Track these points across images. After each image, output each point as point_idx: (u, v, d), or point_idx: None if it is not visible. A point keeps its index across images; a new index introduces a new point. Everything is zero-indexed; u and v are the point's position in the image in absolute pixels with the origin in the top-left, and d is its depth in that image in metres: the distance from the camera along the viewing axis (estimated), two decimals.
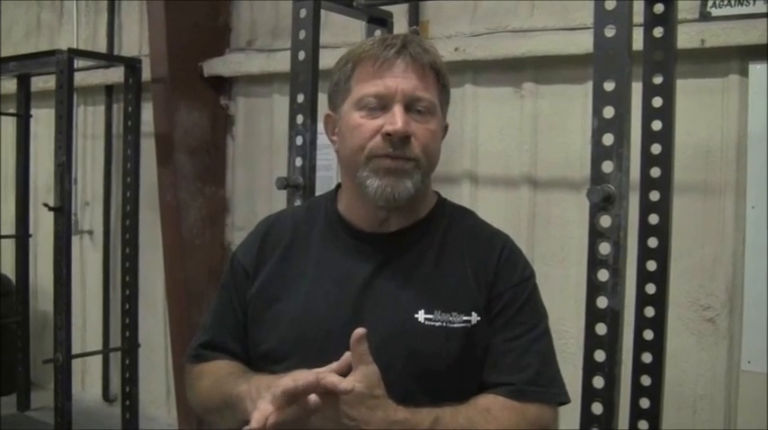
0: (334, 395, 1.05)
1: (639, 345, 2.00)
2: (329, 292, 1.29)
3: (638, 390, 2.00)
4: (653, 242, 1.98)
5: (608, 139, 1.58)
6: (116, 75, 3.96)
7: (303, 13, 2.14)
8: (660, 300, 1.98)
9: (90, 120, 4.42)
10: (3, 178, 4.52)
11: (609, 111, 1.58)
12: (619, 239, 1.57)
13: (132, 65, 3.82)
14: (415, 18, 3.03)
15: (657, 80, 1.97)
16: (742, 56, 2.37)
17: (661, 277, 1.98)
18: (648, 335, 1.99)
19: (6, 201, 4.56)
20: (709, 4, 2.40)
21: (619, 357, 1.60)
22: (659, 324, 1.98)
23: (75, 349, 3.70)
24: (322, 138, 1.63)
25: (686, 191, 2.38)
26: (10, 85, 4.37)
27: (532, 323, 1.29)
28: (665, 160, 1.97)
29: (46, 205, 3.50)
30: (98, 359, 4.27)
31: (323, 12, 2.19)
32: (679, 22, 2.04)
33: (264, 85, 3.62)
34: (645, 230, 1.99)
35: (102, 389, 4.33)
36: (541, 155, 2.79)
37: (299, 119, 2.13)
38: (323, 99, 1.44)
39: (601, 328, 1.60)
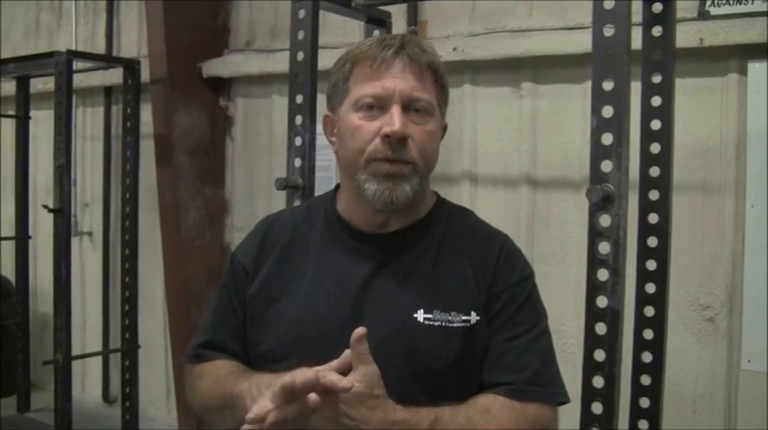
0: (334, 394, 1.05)
1: (639, 345, 2.00)
2: (329, 292, 1.29)
3: (637, 390, 2.00)
4: (652, 241, 1.98)
5: (607, 139, 1.58)
6: (115, 76, 3.96)
7: (302, 13, 2.14)
8: (660, 300, 1.98)
9: (89, 121, 4.42)
10: (2, 180, 4.51)
11: (608, 111, 1.58)
12: (618, 239, 1.57)
13: (131, 66, 3.82)
14: (413, 18, 3.03)
15: (656, 79, 1.97)
16: (741, 54, 2.37)
17: (661, 276, 1.98)
18: (648, 334, 1.99)
19: (6, 203, 4.56)
20: (708, 2, 2.40)
21: (618, 357, 1.60)
22: (659, 323, 1.98)
23: (75, 350, 3.70)
24: (321, 139, 1.63)
25: (685, 190, 2.37)
26: (9, 87, 4.37)
27: (532, 322, 1.29)
28: (665, 159, 1.97)
29: (45, 207, 3.50)
30: (98, 360, 4.27)
31: (321, 12, 2.19)
32: (678, 21, 2.04)
33: (263, 85, 3.62)
34: (644, 230, 1.99)
35: (102, 390, 4.33)
36: (540, 154, 2.79)
37: (298, 119, 2.13)
38: (322, 99, 1.44)
39: (600, 328, 1.60)
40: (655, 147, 1.98)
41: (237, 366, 1.32)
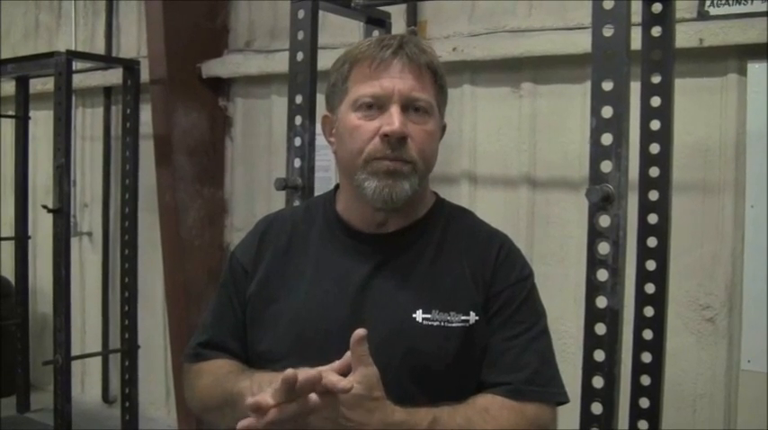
0: (334, 395, 1.05)
1: (639, 345, 2.00)
2: (328, 292, 1.29)
3: (637, 390, 2.00)
4: (652, 241, 1.98)
5: (607, 139, 1.58)
6: (114, 76, 3.96)
7: (301, 13, 2.14)
8: (659, 300, 1.98)
9: (88, 121, 4.42)
10: (2, 180, 4.51)
11: (607, 111, 1.58)
12: (618, 239, 1.57)
13: (131, 66, 3.82)
14: (413, 18, 3.03)
15: (656, 79, 1.97)
16: (740, 55, 2.37)
17: (660, 276, 1.98)
18: (648, 334, 1.99)
19: (5, 203, 4.56)
20: (708, 3, 2.40)
21: (618, 357, 1.60)
22: (659, 323, 1.98)
23: (75, 351, 3.70)
24: (320, 139, 1.63)
25: (685, 190, 2.37)
26: (9, 87, 4.37)
27: (531, 322, 1.29)
28: (664, 160, 1.97)
29: (45, 207, 3.50)
30: (97, 360, 4.27)
31: (321, 12, 2.19)
32: (677, 21, 2.04)
33: (263, 85, 3.62)
34: (644, 230, 1.99)
35: (102, 391, 4.33)
36: (540, 155, 2.79)
37: (298, 120, 2.13)
38: (321, 100, 1.44)
39: (600, 328, 1.60)
40: (654, 148, 1.98)
41: (237, 365, 1.32)
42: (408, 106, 1.25)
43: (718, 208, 2.43)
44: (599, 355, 1.60)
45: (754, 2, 2.32)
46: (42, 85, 4.19)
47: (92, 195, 4.37)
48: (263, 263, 1.36)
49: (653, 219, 1.98)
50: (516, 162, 2.83)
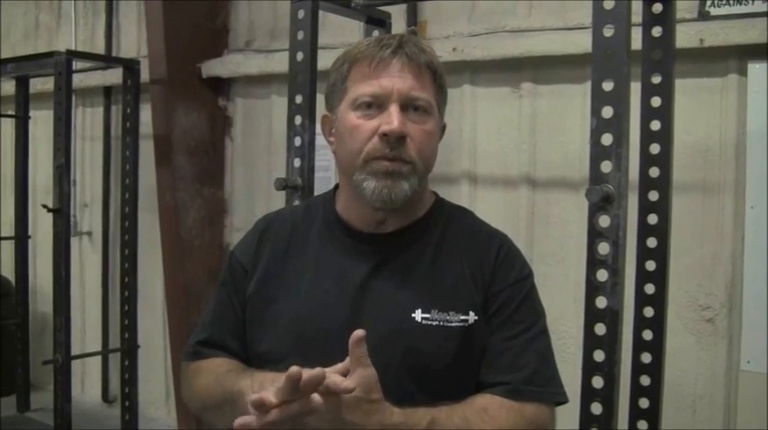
0: (335, 396, 1.05)
1: (639, 345, 2.00)
2: (327, 292, 1.29)
3: (637, 390, 2.00)
4: (652, 242, 1.98)
5: (607, 139, 1.58)
6: (114, 76, 3.96)
7: (301, 13, 2.14)
8: (659, 300, 1.98)
9: (88, 121, 4.42)
10: (2, 180, 4.51)
11: (608, 111, 1.58)
12: (618, 239, 1.57)
13: (131, 66, 3.82)
14: (413, 18, 3.03)
15: (656, 80, 1.97)
16: (741, 55, 2.37)
17: (660, 277, 1.97)
18: (648, 334, 1.99)
19: (5, 203, 4.55)
20: (708, 3, 2.40)
21: (618, 357, 1.59)
22: (658, 324, 1.98)
23: (75, 350, 3.70)
24: (320, 139, 1.63)
25: (685, 190, 2.37)
26: (8, 87, 4.37)
27: (530, 322, 1.29)
28: (664, 160, 1.97)
29: (45, 206, 3.50)
30: (97, 360, 4.27)
31: (321, 12, 2.18)
32: (678, 21, 2.04)
33: (263, 85, 3.62)
34: (644, 230, 1.99)
35: (102, 391, 4.32)
36: (540, 155, 2.79)
37: (298, 119, 2.13)
38: (321, 100, 1.44)
39: (600, 328, 1.59)
40: (654, 148, 1.98)
41: (237, 364, 1.31)
42: (408, 106, 1.25)
43: (719, 208, 2.43)
44: (599, 355, 1.60)
45: (754, 2, 2.32)
46: (42, 84, 4.19)
47: (92, 195, 4.37)
48: (262, 262, 1.36)
49: (653, 219, 1.98)
50: (516, 162, 2.83)
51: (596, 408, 1.60)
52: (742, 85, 2.38)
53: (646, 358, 1.99)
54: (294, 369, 1.01)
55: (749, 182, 2.36)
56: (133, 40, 4.13)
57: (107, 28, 4.22)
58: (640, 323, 1.99)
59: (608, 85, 1.58)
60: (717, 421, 2.43)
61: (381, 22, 2.42)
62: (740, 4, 2.35)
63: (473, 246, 1.33)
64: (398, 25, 2.76)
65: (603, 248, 1.59)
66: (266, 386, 1.09)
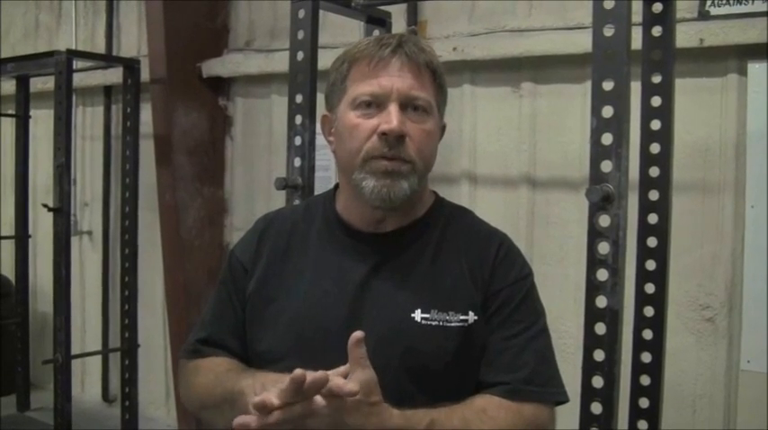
0: (337, 398, 1.05)
1: (639, 345, 2.00)
2: (327, 292, 1.29)
3: (637, 390, 2.00)
4: (652, 241, 1.98)
5: (607, 139, 1.58)
6: (115, 75, 3.96)
7: (302, 13, 2.14)
8: (659, 300, 1.98)
9: (89, 120, 4.42)
10: (2, 179, 4.51)
11: (608, 111, 1.58)
12: (618, 239, 1.57)
13: (131, 65, 3.82)
14: (413, 18, 3.03)
15: (656, 79, 1.97)
16: (740, 55, 2.37)
17: (660, 276, 1.97)
18: (648, 334, 1.99)
19: (6, 202, 4.56)
20: (708, 3, 2.40)
21: (618, 357, 1.59)
22: (658, 323, 1.98)
23: (75, 350, 3.70)
24: (321, 139, 1.63)
25: (685, 190, 2.37)
26: (9, 87, 4.37)
27: (530, 321, 1.29)
28: (664, 159, 1.97)
29: (45, 206, 3.50)
30: (97, 359, 4.27)
31: (321, 12, 2.18)
32: (678, 21, 2.04)
33: (263, 85, 3.62)
34: (644, 230, 1.99)
35: (102, 390, 4.33)
36: (540, 154, 2.79)
37: (298, 119, 2.13)
38: (321, 99, 1.44)
39: (600, 328, 1.59)
40: (654, 148, 1.98)
41: (236, 363, 1.31)
42: (407, 105, 1.25)
43: (718, 208, 2.43)
44: (599, 355, 1.60)
45: (754, 2, 2.32)
46: (43, 84, 4.19)
47: (92, 194, 4.37)
48: (262, 261, 1.36)
49: (653, 219, 1.98)
50: (516, 162, 2.83)
51: (596, 408, 1.60)
52: (742, 84, 2.38)
53: (646, 358, 2.00)
54: (298, 371, 1.01)
55: (749, 181, 2.36)
56: (133, 40, 4.13)
57: (107, 27, 4.22)
58: (640, 323, 1.99)
59: (608, 85, 1.58)
60: (717, 421, 2.43)
61: (382, 21, 2.42)
62: (740, 3, 2.35)
63: (473, 245, 1.32)
64: (399, 25, 2.76)
65: (603, 248, 1.59)
66: (268, 387, 1.09)
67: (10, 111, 4.31)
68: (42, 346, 4.38)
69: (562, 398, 1.28)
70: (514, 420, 1.20)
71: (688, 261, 2.43)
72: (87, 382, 4.44)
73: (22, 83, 4.22)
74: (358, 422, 1.07)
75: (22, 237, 4.28)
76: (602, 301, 1.59)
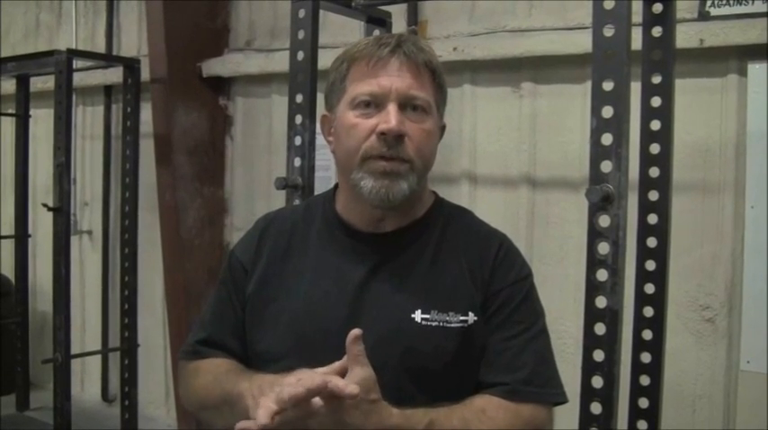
0: (337, 399, 1.04)
1: (638, 345, 2.00)
2: (327, 292, 1.29)
3: (637, 390, 2.00)
4: (652, 242, 1.98)
5: (607, 139, 1.58)
6: (115, 75, 3.96)
7: (302, 13, 2.14)
8: (659, 300, 1.98)
9: (89, 120, 4.42)
10: (2, 178, 4.51)
11: (608, 111, 1.58)
12: (618, 239, 1.57)
13: (131, 65, 3.81)
14: (413, 18, 3.03)
15: (656, 80, 1.97)
16: (741, 55, 2.37)
17: (660, 277, 1.97)
18: (647, 334, 1.99)
19: (5, 202, 4.55)
20: (708, 3, 2.40)
21: (618, 357, 1.59)
22: (658, 323, 1.98)
23: (75, 349, 3.70)
24: (321, 139, 1.63)
25: (685, 190, 2.37)
26: (9, 86, 4.37)
27: (529, 322, 1.29)
28: (664, 160, 1.97)
29: (45, 205, 3.50)
30: (97, 359, 4.27)
31: (321, 12, 2.18)
32: (678, 21, 2.04)
33: (263, 85, 3.62)
34: (644, 230, 1.98)
35: (102, 390, 4.33)
36: (540, 154, 2.79)
37: (298, 119, 2.13)
38: (322, 99, 1.44)
39: (600, 328, 1.59)
40: (654, 148, 1.98)
41: (236, 364, 1.31)
42: (406, 105, 1.25)
43: (718, 208, 2.43)
44: (598, 355, 1.60)
45: (754, 2, 2.32)
46: (43, 83, 4.19)
47: (92, 194, 4.37)
48: (262, 261, 1.36)
49: (653, 219, 1.98)
50: (516, 162, 2.83)
51: (596, 408, 1.60)
52: (742, 85, 2.38)
53: (645, 358, 1.99)
54: (296, 391, 1.02)
55: (749, 182, 2.36)
56: (134, 39, 4.13)
57: (108, 27, 4.22)
58: (640, 323, 1.99)
59: (608, 85, 1.58)
60: (716, 421, 2.43)
61: (382, 21, 2.42)
62: (740, 4, 2.35)
63: (472, 245, 1.32)
64: (399, 25, 2.76)
65: (603, 248, 1.59)
66: (265, 390, 1.08)
67: (10, 111, 4.31)
68: (42, 346, 4.39)
69: (561, 399, 1.28)
70: (513, 420, 1.20)
71: (688, 261, 2.43)
72: (87, 382, 4.44)
73: (23, 82, 4.22)
74: (358, 420, 1.07)
75: (21, 236, 4.28)
76: (601, 301, 1.59)
